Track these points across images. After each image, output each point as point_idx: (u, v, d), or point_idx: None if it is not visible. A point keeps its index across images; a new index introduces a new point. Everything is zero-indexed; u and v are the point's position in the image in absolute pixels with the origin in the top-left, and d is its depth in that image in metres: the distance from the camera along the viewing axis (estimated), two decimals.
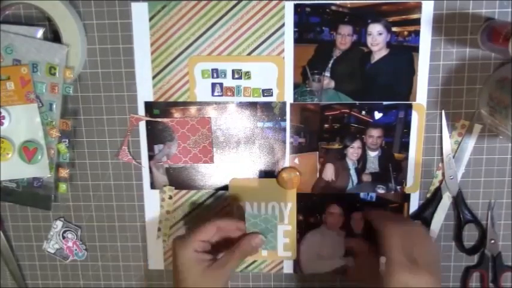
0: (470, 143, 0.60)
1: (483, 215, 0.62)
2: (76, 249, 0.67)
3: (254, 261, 0.66)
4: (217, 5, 0.58)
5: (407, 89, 0.59)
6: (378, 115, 0.60)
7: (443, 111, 0.58)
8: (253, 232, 0.59)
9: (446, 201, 0.61)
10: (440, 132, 0.60)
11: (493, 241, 0.62)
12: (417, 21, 0.57)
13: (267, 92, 0.60)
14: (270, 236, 0.60)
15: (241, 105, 0.61)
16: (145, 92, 0.61)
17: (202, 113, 0.61)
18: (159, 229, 0.65)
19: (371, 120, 0.60)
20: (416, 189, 0.62)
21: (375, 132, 0.60)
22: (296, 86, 0.60)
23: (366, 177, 0.62)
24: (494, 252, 0.62)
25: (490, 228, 0.61)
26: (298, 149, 0.62)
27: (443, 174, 0.61)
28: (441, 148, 0.60)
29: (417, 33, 0.57)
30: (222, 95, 0.60)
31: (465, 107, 0.59)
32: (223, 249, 0.58)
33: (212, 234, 0.57)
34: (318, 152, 0.62)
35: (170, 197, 0.64)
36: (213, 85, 0.60)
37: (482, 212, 0.62)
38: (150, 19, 0.59)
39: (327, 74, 0.59)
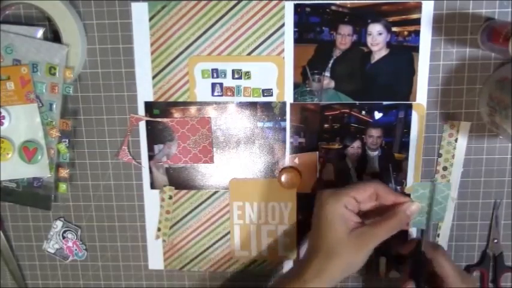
0: (462, 143, 0.60)
1: (483, 215, 0.62)
2: (76, 249, 0.67)
3: (254, 261, 0.66)
4: (217, 5, 0.58)
5: (407, 89, 0.59)
6: (378, 115, 0.60)
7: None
8: (408, 201, 0.53)
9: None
10: (441, 132, 0.60)
11: (495, 240, 0.62)
12: (417, 21, 0.57)
13: (267, 92, 0.60)
14: (439, 209, 0.55)
15: (241, 105, 0.61)
16: (145, 92, 0.61)
17: (202, 113, 0.61)
18: (158, 229, 0.65)
19: (371, 120, 0.60)
20: None
21: (375, 132, 0.60)
22: (296, 86, 0.60)
23: (366, 177, 0.62)
24: (496, 251, 0.62)
25: (493, 228, 0.61)
26: (298, 149, 0.62)
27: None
28: (438, 152, 0.60)
29: (417, 33, 0.57)
30: (222, 95, 0.60)
31: (465, 107, 0.59)
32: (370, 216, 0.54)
33: (367, 195, 0.53)
34: (318, 152, 0.62)
35: (170, 197, 0.64)
36: (213, 85, 0.60)
37: (483, 212, 0.62)
38: (150, 19, 0.59)
39: (327, 74, 0.59)
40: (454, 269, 0.54)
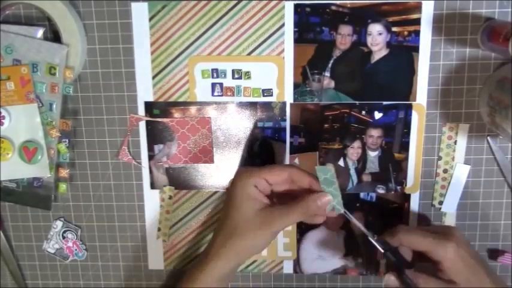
0: (462, 144, 0.60)
1: (483, 215, 0.62)
2: (76, 249, 0.67)
3: (254, 261, 0.66)
4: (217, 5, 0.58)
5: (407, 89, 0.59)
6: (378, 115, 0.60)
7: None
8: (322, 192, 0.51)
9: None
10: (441, 132, 0.60)
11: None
12: (417, 21, 0.57)
13: (267, 92, 0.60)
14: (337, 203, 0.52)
15: (241, 105, 0.61)
16: (145, 92, 0.61)
17: (202, 113, 0.61)
18: (159, 229, 0.65)
19: (371, 120, 0.60)
20: (416, 189, 0.62)
21: (375, 132, 0.60)
22: (296, 86, 0.60)
23: (366, 177, 0.62)
24: None
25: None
26: (298, 149, 0.62)
27: None
28: (438, 153, 0.60)
29: (417, 33, 0.57)
30: (222, 95, 0.60)
31: (465, 107, 0.59)
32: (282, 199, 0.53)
33: (280, 179, 0.52)
34: (318, 152, 0.62)
35: (170, 197, 0.64)
36: (213, 85, 0.60)
37: (483, 212, 0.62)
38: (150, 19, 0.59)
39: (327, 74, 0.59)
40: (427, 237, 0.50)
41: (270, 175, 0.52)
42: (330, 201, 0.51)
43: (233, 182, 0.53)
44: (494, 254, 0.63)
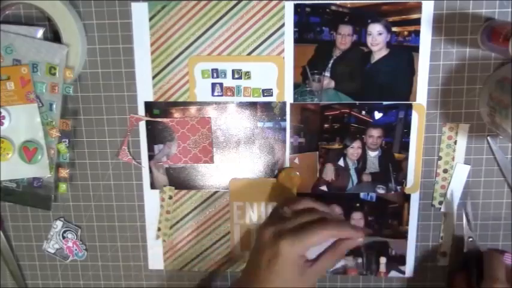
0: (462, 144, 0.60)
1: (484, 215, 0.62)
2: (76, 249, 0.67)
3: None
4: (217, 5, 0.58)
5: (407, 89, 0.59)
6: (378, 115, 0.60)
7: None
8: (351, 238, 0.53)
9: None
10: (441, 132, 0.60)
11: (471, 239, 0.61)
12: (417, 21, 0.57)
13: (267, 92, 0.60)
14: None
15: (241, 105, 0.61)
16: (145, 92, 0.61)
17: (202, 113, 0.61)
18: (158, 229, 0.65)
19: (371, 120, 0.60)
20: (416, 189, 0.62)
21: (375, 132, 0.60)
22: (296, 86, 0.60)
23: (366, 177, 0.62)
24: (474, 250, 0.61)
25: (465, 227, 0.61)
26: (298, 149, 0.62)
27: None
28: (437, 154, 0.60)
29: (417, 33, 0.57)
30: (222, 95, 0.60)
31: (465, 107, 0.59)
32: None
33: (323, 241, 0.52)
34: (318, 152, 0.62)
35: (170, 197, 0.64)
36: (213, 85, 0.60)
37: (483, 212, 0.62)
38: (150, 19, 0.59)
39: (327, 74, 0.59)
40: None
41: (315, 240, 0.50)
42: (360, 242, 0.52)
43: (277, 254, 0.50)
44: None
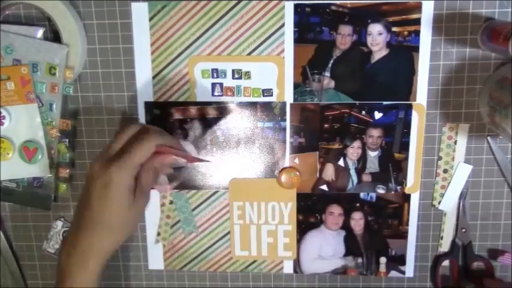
0: (462, 144, 0.60)
1: (484, 215, 0.62)
2: None
3: (254, 261, 0.66)
4: (217, 5, 0.58)
5: (407, 89, 0.59)
6: (378, 115, 0.60)
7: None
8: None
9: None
10: (441, 132, 0.60)
11: (464, 230, 0.62)
12: (417, 21, 0.57)
13: (267, 92, 0.60)
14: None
15: (241, 105, 0.61)
16: (145, 92, 0.61)
17: (203, 113, 0.61)
18: (158, 233, 0.65)
19: (371, 120, 0.60)
20: (416, 189, 0.62)
21: (375, 132, 0.60)
22: (296, 86, 0.60)
23: (366, 177, 0.62)
24: (465, 241, 0.62)
25: (461, 217, 0.61)
26: (298, 149, 0.62)
27: (456, 226, 0.62)
28: (437, 155, 0.60)
29: (417, 33, 0.57)
30: (222, 95, 0.60)
31: (465, 107, 0.59)
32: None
33: (150, 154, 0.50)
34: (318, 152, 0.62)
35: (171, 202, 0.64)
36: (213, 85, 0.60)
37: (483, 212, 0.62)
38: (150, 19, 0.59)
39: (327, 74, 0.59)
40: None
41: (143, 158, 0.50)
42: (176, 161, 0.53)
43: (105, 183, 0.49)
44: (494, 254, 0.63)
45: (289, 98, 0.60)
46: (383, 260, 0.64)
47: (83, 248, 0.51)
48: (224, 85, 0.60)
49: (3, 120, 0.60)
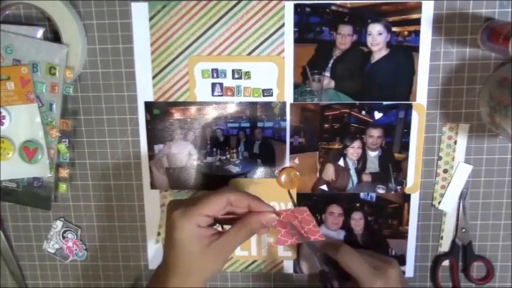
0: (462, 144, 0.60)
1: (484, 215, 0.62)
2: (76, 249, 0.67)
3: (254, 261, 0.66)
4: (217, 5, 0.58)
5: (407, 89, 0.59)
6: (378, 115, 0.60)
7: None
8: (264, 211, 0.51)
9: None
10: (441, 132, 0.60)
11: (464, 230, 0.62)
12: (417, 21, 0.57)
13: (267, 92, 0.60)
14: None
15: (241, 105, 0.61)
16: (145, 92, 0.61)
17: (202, 113, 0.61)
18: (158, 234, 0.65)
19: (371, 120, 0.60)
20: (416, 189, 0.62)
21: (375, 132, 0.60)
22: (296, 86, 0.60)
23: (366, 177, 0.62)
24: (464, 241, 0.62)
25: (461, 217, 0.61)
26: (298, 149, 0.62)
27: (456, 226, 0.62)
28: (438, 155, 0.60)
29: (417, 33, 0.57)
30: (222, 95, 0.60)
31: (465, 107, 0.59)
32: (225, 221, 0.52)
33: (220, 208, 0.50)
34: (318, 152, 0.62)
35: None
36: (213, 85, 0.60)
37: (483, 212, 0.62)
38: (150, 19, 0.59)
39: (327, 74, 0.59)
40: (362, 266, 0.53)
41: (210, 210, 0.49)
42: (275, 219, 0.51)
43: (172, 227, 0.50)
44: None
45: (289, 98, 0.60)
46: None
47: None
48: (224, 85, 0.60)
49: (3, 120, 0.60)
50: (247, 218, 0.50)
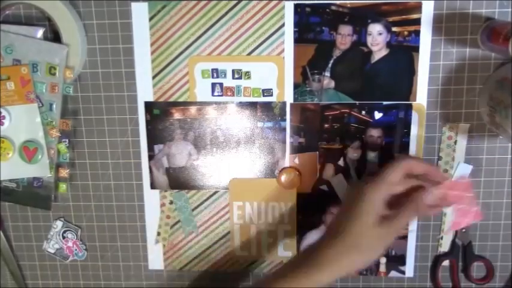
0: (462, 145, 0.60)
1: (484, 215, 0.62)
2: (76, 249, 0.67)
3: (254, 261, 0.66)
4: (217, 5, 0.58)
5: (407, 89, 0.59)
6: (378, 115, 0.60)
7: None
8: (423, 188, 0.52)
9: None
10: (441, 132, 0.60)
11: (464, 230, 0.62)
12: (417, 21, 0.57)
13: (267, 92, 0.60)
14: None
15: (241, 105, 0.61)
16: (145, 92, 0.61)
17: (202, 113, 0.61)
18: (158, 233, 0.65)
19: (371, 120, 0.60)
20: None
21: (375, 132, 0.60)
22: (296, 86, 0.60)
23: (367, 177, 0.62)
24: (464, 241, 0.62)
25: None
26: (298, 149, 0.62)
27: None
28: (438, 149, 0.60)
29: (417, 33, 0.57)
30: (222, 95, 0.60)
31: (465, 107, 0.59)
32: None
33: (401, 174, 0.51)
34: (318, 152, 0.62)
35: (171, 202, 0.64)
36: (213, 85, 0.60)
37: (483, 212, 0.62)
38: (150, 19, 0.59)
39: (327, 74, 0.59)
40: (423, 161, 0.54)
41: (393, 176, 0.51)
42: (435, 196, 0.52)
43: (358, 198, 0.51)
44: None
45: (289, 98, 0.60)
46: (383, 260, 0.64)
47: (312, 256, 0.52)
48: (224, 85, 0.60)
49: (3, 120, 0.60)
50: (415, 195, 0.51)
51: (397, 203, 0.51)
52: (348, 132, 0.61)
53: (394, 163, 0.52)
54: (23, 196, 0.63)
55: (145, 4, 0.58)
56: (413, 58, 0.58)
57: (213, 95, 0.60)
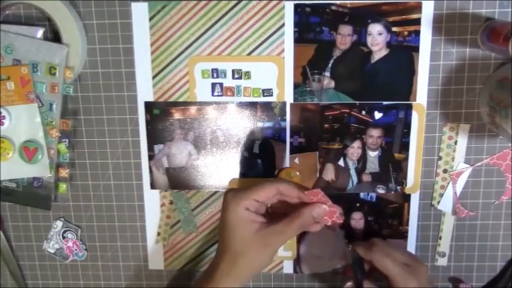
0: (462, 144, 0.60)
1: (484, 215, 0.62)
2: (76, 249, 0.67)
3: None
4: (217, 5, 0.58)
5: (407, 89, 0.59)
6: (378, 115, 0.60)
7: None
8: (316, 202, 0.51)
9: None
10: (441, 132, 0.60)
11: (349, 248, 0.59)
12: (417, 21, 0.57)
13: (267, 92, 0.60)
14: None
15: (241, 105, 0.61)
16: (145, 92, 0.61)
17: (202, 113, 0.61)
18: (158, 233, 0.65)
19: (371, 120, 0.60)
20: (416, 189, 0.62)
21: (375, 132, 0.60)
22: (296, 86, 0.60)
23: (366, 177, 0.62)
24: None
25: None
26: (298, 149, 0.62)
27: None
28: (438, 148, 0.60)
29: (417, 33, 0.57)
30: (222, 95, 0.60)
31: (465, 107, 0.59)
32: (277, 216, 0.52)
33: (270, 196, 0.51)
34: (318, 152, 0.62)
35: (171, 202, 0.64)
36: (213, 85, 0.60)
37: (483, 211, 0.62)
38: (150, 19, 0.59)
39: (327, 74, 0.59)
40: (396, 265, 0.53)
41: (259, 195, 0.51)
42: (326, 210, 0.51)
43: (224, 208, 0.52)
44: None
45: (289, 98, 0.60)
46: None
47: (209, 272, 0.53)
48: (224, 85, 0.60)
49: (3, 120, 0.60)
50: (298, 211, 0.51)
51: (292, 209, 0.51)
52: (348, 132, 0.61)
53: (264, 183, 0.51)
54: (23, 196, 0.63)
55: (145, 4, 0.58)
56: (413, 58, 0.58)
57: (213, 95, 0.60)
